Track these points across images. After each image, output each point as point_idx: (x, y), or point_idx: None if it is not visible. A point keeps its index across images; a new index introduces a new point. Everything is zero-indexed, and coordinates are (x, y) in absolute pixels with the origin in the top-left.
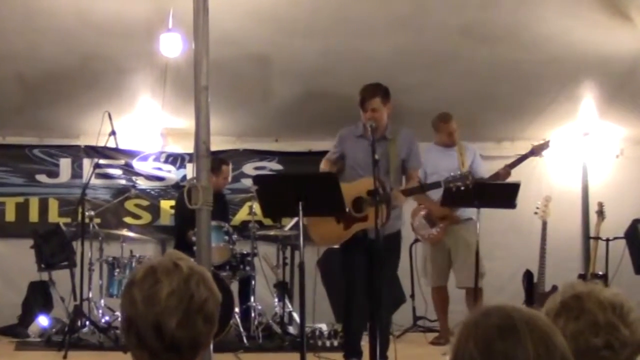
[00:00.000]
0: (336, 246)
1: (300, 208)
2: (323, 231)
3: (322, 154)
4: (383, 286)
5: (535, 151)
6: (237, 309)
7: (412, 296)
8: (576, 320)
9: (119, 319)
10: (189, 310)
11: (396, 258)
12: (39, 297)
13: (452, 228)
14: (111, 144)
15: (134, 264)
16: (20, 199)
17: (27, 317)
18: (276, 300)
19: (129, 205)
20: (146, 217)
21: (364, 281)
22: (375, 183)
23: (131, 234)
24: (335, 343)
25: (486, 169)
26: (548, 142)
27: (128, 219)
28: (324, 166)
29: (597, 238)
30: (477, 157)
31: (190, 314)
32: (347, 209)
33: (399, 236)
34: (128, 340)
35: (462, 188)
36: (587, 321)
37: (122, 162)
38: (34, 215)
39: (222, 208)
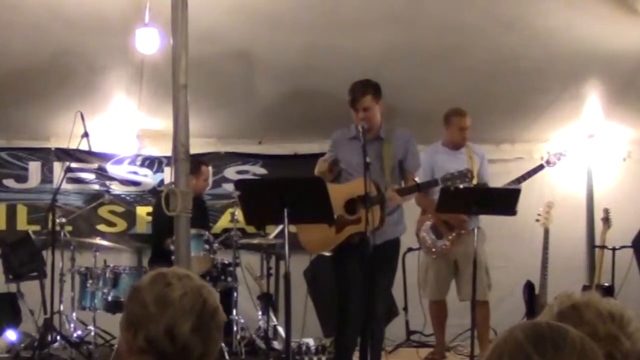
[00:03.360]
0: (327, 253)
1: (286, 215)
2: (313, 236)
3: (309, 156)
4: (377, 297)
5: (551, 161)
6: None
7: (405, 309)
8: None
9: (92, 333)
10: (202, 314)
11: (393, 268)
12: (6, 310)
13: (459, 238)
14: (84, 146)
15: (107, 275)
16: None
17: None
18: (260, 313)
19: (103, 211)
20: (121, 225)
21: (359, 291)
22: (365, 187)
23: (105, 243)
24: (323, 359)
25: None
26: (565, 150)
27: (102, 227)
28: (320, 167)
29: (602, 247)
30: (485, 163)
31: (204, 318)
32: (335, 216)
33: (397, 244)
34: (133, 345)
35: (462, 186)
36: (586, 332)
37: (96, 165)
38: (0, 223)
39: (202, 215)
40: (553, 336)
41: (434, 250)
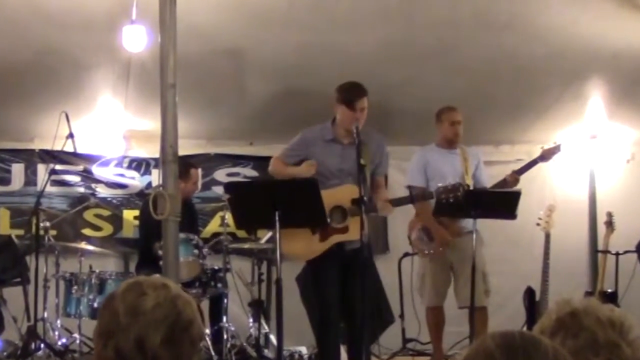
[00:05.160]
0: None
1: (277, 219)
2: (296, 243)
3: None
4: (365, 299)
5: (545, 156)
6: (207, 330)
7: (402, 316)
8: (574, 338)
9: (77, 340)
10: (174, 326)
11: (375, 270)
12: None
13: (454, 242)
14: (69, 147)
15: (93, 280)
16: None
17: None
18: (251, 320)
19: (88, 215)
20: (107, 229)
21: (339, 297)
22: (360, 191)
23: (90, 248)
24: None
25: (488, 175)
26: (559, 145)
27: (87, 231)
28: (279, 168)
29: (605, 252)
30: (481, 164)
31: (176, 331)
32: (328, 220)
33: (371, 247)
34: (102, 355)
35: (452, 200)
36: (586, 339)
37: (81, 167)
38: None
39: (191, 218)
40: (524, 345)
41: (425, 252)
